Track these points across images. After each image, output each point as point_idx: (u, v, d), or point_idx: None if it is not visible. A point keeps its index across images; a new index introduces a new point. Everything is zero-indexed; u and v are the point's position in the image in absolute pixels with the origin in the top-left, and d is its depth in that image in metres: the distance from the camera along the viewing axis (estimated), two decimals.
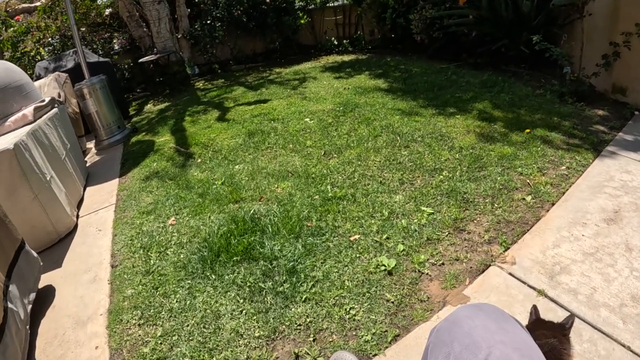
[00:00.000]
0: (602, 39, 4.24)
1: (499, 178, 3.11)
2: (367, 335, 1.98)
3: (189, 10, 9.32)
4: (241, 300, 2.32)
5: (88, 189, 4.40)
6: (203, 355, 2.02)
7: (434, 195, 3.03)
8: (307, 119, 5.01)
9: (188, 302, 2.38)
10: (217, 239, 2.88)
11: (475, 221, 2.72)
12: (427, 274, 2.33)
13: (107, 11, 9.74)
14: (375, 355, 1.90)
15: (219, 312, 2.27)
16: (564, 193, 2.87)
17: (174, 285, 2.55)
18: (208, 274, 2.57)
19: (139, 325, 2.32)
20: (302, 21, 9.59)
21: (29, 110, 3.71)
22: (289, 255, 2.59)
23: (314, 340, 2.01)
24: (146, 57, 8.33)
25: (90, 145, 6.04)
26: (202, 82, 8.88)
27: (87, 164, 5.12)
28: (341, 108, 5.20)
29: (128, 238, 3.21)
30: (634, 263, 2.17)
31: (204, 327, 2.20)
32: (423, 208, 2.88)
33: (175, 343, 2.14)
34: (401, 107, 4.91)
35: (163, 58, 8.39)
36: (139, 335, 2.25)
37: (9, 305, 2.16)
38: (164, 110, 7.19)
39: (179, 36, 9.07)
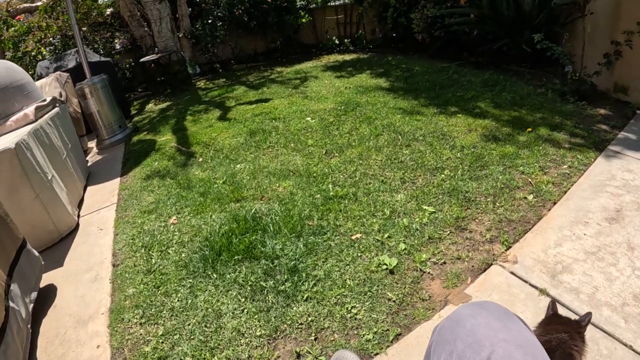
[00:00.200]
0: (604, 38, 4.24)
1: (500, 177, 3.11)
2: (368, 334, 1.98)
3: (190, 9, 9.33)
4: (242, 299, 2.32)
5: (89, 188, 4.40)
6: (204, 354, 2.02)
7: (436, 194, 3.03)
8: (309, 118, 5.01)
9: (189, 301, 2.38)
10: (219, 238, 2.88)
11: (477, 220, 2.71)
12: (429, 272, 2.33)
13: (108, 11, 9.75)
14: (377, 354, 1.89)
15: (221, 311, 2.27)
16: (565, 192, 2.87)
17: (176, 284, 2.55)
18: (209, 273, 2.57)
19: (141, 324, 2.32)
20: (304, 20, 9.59)
21: (30, 110, 3.71)
22: (290, 254, 2.59)
23: (315, 339, 2.01)
24: (147, 57, 8.33)
25: (92, 144, 6.05)
26: (203, 82, 8.88)
27: (89, 164, 5.13)
28: (342, 107, 5.19)
29: (129, 237, 3.21)
30: (636, 262, 2.17)
31: (205, 326, 2.20)
32: (424, 207, 2.88)
33: (176, 342, 2.14)
34: (402, 106, 4.91)
35: (164, 57, 8.40)
36: (141, 334, 2.25)
37: (11, 304, 2.16)
38: (165, 109, 7.20)
39: (180, 35, 9.07)
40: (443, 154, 3.58)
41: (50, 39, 8.92)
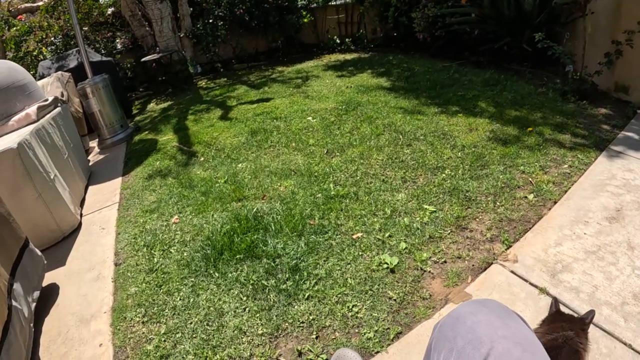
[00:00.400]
0: (605, 37, 4.24)
1: (501, 176, 3.11)
2: (369, 333, 1.99)
3: (191, 9, 9.34)
4: (244, 298, 2.33)
5: (91, 187, 4.41)
6: (206, 353, 2.03)
7: (437, 193, 3.04)
8: (310, 118, 5.02)
9: (191, 300, 2.40)
10: (220, 237, 2.89)
11: (477, 219, 2.72)
12: (430, 271, 2.34)
13: (110, 10, 9.77)
14: (378, 352, 1.90)
15: (222, 310, 2.28)
16: (566, 191, 2.87)
17: (178, 283, 2.56)
18: (211, 271, 2.59)
19: (143, 322, 2.33)
20: (305, 20, 9.59)
21: (32, 110, 3.73)
22: (291, 253, 2.60)
23: (316, 338, 2.02)
24: (149, 56, 8.34)
25: (93, 144, 6.06)
26: (204, 81, 8.90)
27: (90, 163, 5.15)
28: (344, 106, 5.20)
29: (131, 236, 3.22)
30: (636, 261, 2.18)
31: (207, 324, 2.21)
32: (425, 206, 2.89)
33: (178, 340, 2.15)
34: (403, 106, 4.92)
35: (165, 57, 8.41)
36: (143, 332, 2.26)
37: (14, 303, 2.17)
38: (167, 109, 7.22)
39: (181, 35, 9.09)
40: (444, 153, 3.58)
41: (52, 38, 8.95)
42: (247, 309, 2.26)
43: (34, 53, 8.65)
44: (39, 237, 3.22)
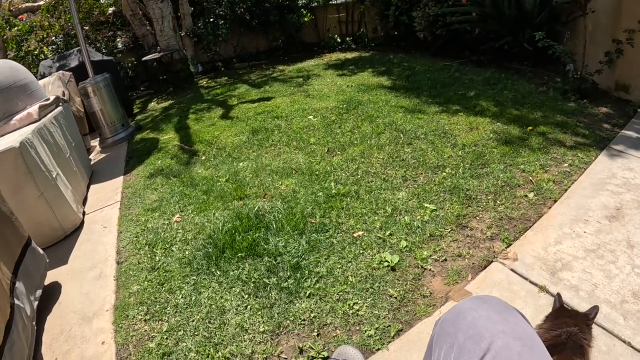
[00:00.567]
0: (605, 37, 4.24)
1: (501, 175, 3.12)
2: (370, 331, 2.00)
3: (192, 8, 9.35)
4: (246, 296, 2.34)
5: (93, 186, 4.43)
6: (209, 350, 2.05)
7: (437, 192, 3.05)
8: (311, 117, 5.03)
9: (194, 298, 2.41)
10: (222, 235, 2.90)
11: (478, 218, 2.73)
12: (430, 270, 2.35)
13: (111, 10, 9.79)
14: (379, 350, 1.92)
15: (224, 308, 2.29)
16: (566, 190, 2.88)
17: (180, 282, 2.58)
18: (213, 270, 2.60)
19: (145, 321, 2.35)
20: (306, 19, 9.59)
21: (34, 109, 3.74)
22: (293, 252, 2.61)
23: (318, 335, 2.04)
24: (150, 56, 8.35)
25: (95, 143, 6.07)
26: (205, 80, 8.90)
27: (92, 162, 5.16)
28: (345, 106, 5.21)
29: (133, 235, 3.24)
30: (636, 260, 2.18)
31: (209, 322, 2.22)
32: (426, 205, 2.90)
33: (181, 338, 2.16)
34: (404, 105, 4.93)
35: (167, 56, 8.42)
36: (145, 330, 2.28)
37: (16, 302, 2.18)
38: (168, 108, 7.23)
39: (182, 35, 9.10)
40: (445, 152, 3.59)
41: (53, 38, 8.98)
42: (249, 307, 2.27)
43: (36, 53, 8.68)
44: (42, 236, 3.23)
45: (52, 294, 2.77)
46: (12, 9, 9.61)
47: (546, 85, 4.85)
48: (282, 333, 2.09)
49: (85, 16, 9.20)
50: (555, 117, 3.99)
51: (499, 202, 2.84)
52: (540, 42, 4.61)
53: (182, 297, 2.44)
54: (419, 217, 2.79)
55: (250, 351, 2.01)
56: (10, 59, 7.63)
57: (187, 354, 2.06)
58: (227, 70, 9.51)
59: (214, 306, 2.32)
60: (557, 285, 2.10)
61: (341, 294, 2.25)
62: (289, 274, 2.44)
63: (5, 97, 3.81)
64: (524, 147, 3.48)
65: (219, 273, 2.56)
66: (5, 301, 2.07)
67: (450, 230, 2.64)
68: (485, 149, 3.54)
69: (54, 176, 3.35)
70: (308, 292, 2.29)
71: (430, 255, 2.44)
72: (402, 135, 4.04)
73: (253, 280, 2.44)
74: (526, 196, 2.86)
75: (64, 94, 5.12)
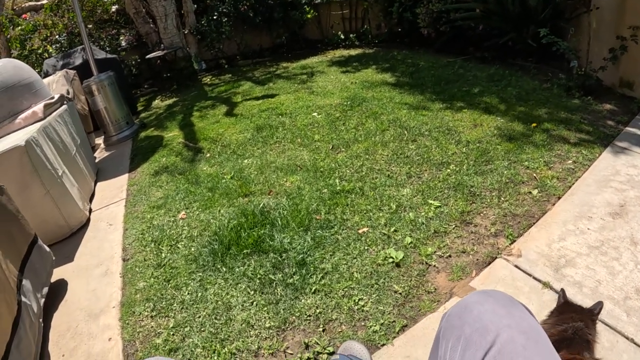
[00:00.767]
0: (609, 33, 4.23)
1: (505, 172, 3.13)
2: (375, 326, 2.02)
3: (195, 5, 9.34)
4: (252, 292, 2.36)
5: (98, 184, 4.45)
6: (215, 346, 2.06)
7: (441, 188, 3.06)
8: (315, 114, 5.04)
9: (199, 294, 2.43)
10: (228, 232, 2.92)
11: (481, 214, 2.74)
12: (434, 266, 2.36)
13: (114, 8, 9.80)
14: (384, 345, 1.93)
15: (230, 304, 2.31)
16: (570, 187, 2.88)
17: (186, 278, 2.59)
18: (219, 266, 2.62)
19: (151, 317, 2.36)
20: (309, 16, 9.57)
21: (38, 108, 3.76)
22: (298, 248, 2.62)
23: (323, 331, 2.05)
24: (153, 53, 8.37)
25: (99, 141, 6.10)
26: (209, 78, 8.91)
27: (97, 160, 5.18)
28: (348, 102, 5.22)
29: (139, 232, 3.25)
30: (639, 256, 2.19)
31: (215, 318, 2.24)
32: (430, 201, 2.91)
33: (187, 334, 2.18)
34: (408, 101, 4.93)
35: (170, 54, 8.43)
36: (152, 326, 2.30)
37: (23, 299, 2.20)
38: (172, 105, 7.24)
39: (185, 32, 9.10)
40: (449, 148, 3.60)
41: (56, 36, 9.01)
42: (254, 302, 2.29)
43: (39, 51, 8.71)
44: (47, 233, 3.25)
45: (58, 291, 2.79)
46: (15, 7, 9.63)
47: (550, 82, 4.84)
48: (288, 328, 2.11)
49: (88, 14, 9.22)
50: (559, 113, 3.99)
51: (502, 199, 2.84)
52: (544, 39, 4.60)
53: (188, 293, 2.46)
54: (423, 214, 2.80)
55: (256, 346, 2.03)
56: (13, 57, 7.66)
57: (193, 349, 2.08)
58: (230, 67, 9.52)
59: (219, 302, 2.34)
60: (561, 281, 2.11)
61: (346, 289, 2.27)
62: (294, 270, 2.45)
63: (10, 95, 3.83)
64: (528, 144, 3.48)
65: (224, 269, 2.58)
66: (12, 298, 2.09)
67: (454, 226, 2.65)
68: (489, 146, 3.54)
69: (60, 174, 3.37)
70: (313, 288, 2.30)
71: (435, 251, 2.46)
72: (406, 132, 4.04)
73: (258, 276, 2.46)
74: (530, 193, 2.87)
75: (68, 92, 5.14)
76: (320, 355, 1.93)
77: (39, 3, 9.67)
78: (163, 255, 2.89)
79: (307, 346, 1.99)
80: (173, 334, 2.20)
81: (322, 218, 2.91)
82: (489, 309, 0.97)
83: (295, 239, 2.72)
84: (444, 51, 7.22)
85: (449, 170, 3.27)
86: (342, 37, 9.64)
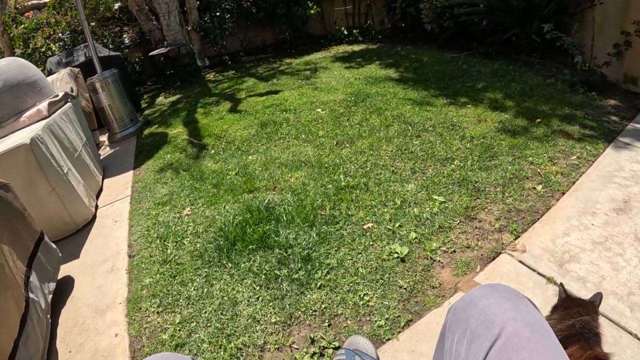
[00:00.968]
0: (614, 28, 4.22)
1: (509, 167, 3.13)
2: (380, 321, 2.03)
3: (198, 2, 9.34)
4: (257, 288, 2.38)
5: (103, 181, 4.47)
6: (221, 341, 2.08)
7: (446, 184, 3.06)
8: (319, 109, 5.04)
9: (205, 290, 2.44)
10: (233, 228, 2.93)
11: (486, 210, 2.75)
12: (439, 261, 2.37)
13: (116, 5, 9.80)
14: (389, 339, 1.94)
15: (236, 299, 2.33)
16: (574, 182, 2.88)
17: (191, 274, 2.61)
18: (224, 262, 2.63)
19: (158, 312, 2.38)
20: (312, 11, 9.54)
21: (43, 106, 3.78)
22: (303, 244, 2.63)
23: (329, 326, 2.06)
24: (157, 50, 8.38)
25: (103, 138, 6.11)
26: (212, 74, 8.91)
27: (101, 157, 5.19)
28: (352, 98, 5.22)
29: (144, 229, 3.27)
30: None
31: (221, 313, 2.25)
32: (435, 197, 2.91)
33: (193, 329, 2.20)
34: (412, 97, 4.93)
35: (173, 51, 8.44)
36: (158, 322, 2.31)
37: (30, 295, 2.22)
38: (176, 102, 7.25)
39: (188, 29, 9.10)
40: (453, 144, 3.60)
41: (60, 34, 9.02)
42: (260, 298, 2.30)
43: (42, 49, 8.73)
44: (54, 229, 3.28)
45: (65, 287, 2.81)
46: (17, 6, 9.67)
47: (554, 77, 4.83)
48: (294, 323, 2.12)
49: (91, 12, 9.24)
50: (563, 109, 3.98)
51: (507, 194, 2.85)
52: (548, 34, 4.59)
53: (194, 289, 2.48)
54: (427, 209, 2.81)
55: (262, 341, 2.04)
56: (17, 56, 7.68)
57: (199, 344, 2.09)
58: (234, 63, 9.52)
59: (225, 298, 2.36)
60: (565, 276, 2.11)
61: (351, 284, 2.28)
62: (299, 265, 2.47)
63: (15, 94, 3.85)
64: (532, 139, 3.48)
65: (230, 265, 2.59)
66: (19, 295, 2.11)
67: (458, 221, 2.66)
68: (493, 141, 3.54)
69: (65, 171, 3.39)
70: (319, 283, 2.31)
71: (439, 247, 2.46)
72: (410, 128, 4.04)
73: (264, 271, 2.47)
74: (534, 188, 2.87)
75: (72, 90, 5.15)
76: (326, 349, 1.95)
77: (41, 1, 9.70)
78: (169, 251, 2.90)
79: (312, 341, 2.00)
80: (179, 330, 2.22)
81: (327, 214, 2.92)
82: (494, 302, 0.98)
83: (301, 235, 2.73)
84: (448, 46, 7.21)
85: (453, 166, 3.27)
86: (346, 32, 9.62)
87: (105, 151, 5.59)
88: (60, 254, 2.83)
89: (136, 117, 6.27)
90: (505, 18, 5.76)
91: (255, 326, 2.13)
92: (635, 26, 3.92)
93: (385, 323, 2.02)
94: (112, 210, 3.75)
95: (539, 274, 2.17)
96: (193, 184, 3.79)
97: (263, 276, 2.44)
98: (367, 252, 2.50)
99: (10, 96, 3.82)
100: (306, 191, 3.26)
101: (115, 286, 2.72)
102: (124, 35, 9.61)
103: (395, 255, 2.43)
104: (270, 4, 9.21)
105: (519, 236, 2.47)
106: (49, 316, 2.36)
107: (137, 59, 9.36)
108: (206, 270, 2.61)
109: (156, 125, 6.08)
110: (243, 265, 2.56)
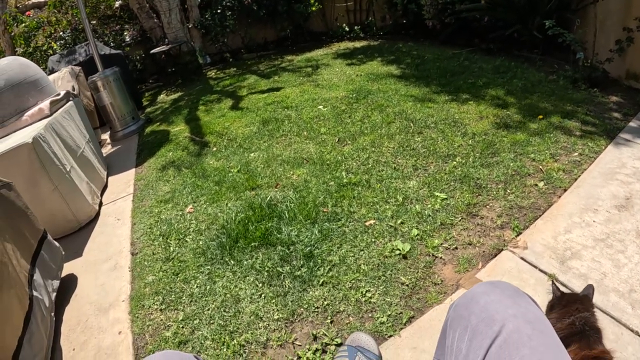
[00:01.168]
0: (616, 24, 4.21)
1: (511, 164, 3.13)
2: (382, 317, 2.03)
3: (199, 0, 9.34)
4: (260, 285, 2.38)
5: (108, 177, 4.49)
6: (224, 338, 2.09)
7: (448, 180, 3.06)
8: (321, 106, 5.04)
9: (208, 287, 2.45)
10: (235, 225, 2.94)
11: (488, 206, 2.75)
12: (441, 257, 2.37)
13: (117, 3, 9.81)
14: (391, 336, 1.95)
15: (239, 296, 2.33)
16: (576, 179, 2.88)
17: (194, 271, 2.62)
18: (227, 259, 2.64)
19: (161, 310, 2.39)
20: (313, 8, 9.51)
21: (45, 104, 3.78)
22: (305, 241, 2.64)
23: (331, 322, 2.07)
24: (158, 48, 8.37)
25: (105, 136, 6.12)
26: (214, 72, 8.91)
27: (103, 155, 5.20)
28: (354, 95, 5.22)
29: (147, 226, 3.28)
30: None
31: (224, 310, 2.26)
32: (437, 193, 2.92)
33: (196, 327, 2.21)
34: (414, 94, 4.92)
35: (174, 48, 8.43)
36: (161, 319, 2.32)
37: (34, 293, 2.22)
38: (178, 100, 7.26)
39: (189, 26, 9.10)
40: (454, 141, 3.60)
41: (61, 33, 9.02)
42: (262, 295, 2.31)
43: (44, 48, 8.74)
44: (56, 227, 3.31)
45: (68, 285, 2.82)
46: (18, 5, 9.68)
47: (556, 74, 4.82)
48: (296, 320, 2.13)
49: (92, 10, 9.25)
50: (565, 105, 3.97)
51: (508, 191, 2.85)
52: (549, 30, 4.57)
53: (197, 287, 2.48)
54: (429, 206, 2.81)
55: (264, 338, 2.05)
56: (18, 55, 7.70)
57: (202, 341, 2.10)
58: (235, 61, 9.51)
59: (228, 295, 2.36)
60: (566, 273, 2.12)
61: (353, 281, 2.28)
62: (301, 262, 2.47)
63: (16, 93, 3.86)
64: (534, 136, 3.48)
65: (232, 262, 2.60)
66: (23, 293, 2.11)
67: (460, 218, 2.66)
68: (495, 138, 3.54)
69: (68, 169, 3.40)
70: (321, 280, 2.32)
71: (441, 243, 2.47)
72: (412, 124, 4.04)
73: (266, 268, 2.48)
74: (536, 185, 2.87)
75: (73, 88, 5.16)
76: (328, 346, 1.95)
77: (42, 0, 9.69)
78: (171, 249, 2.91)
79: (315, 337, 2.01)
80: (182, 327, 2.23)
81: (329, 211, 2.93)
82: (495, 299, 0.99)
83: (303, 232, 2.74)
84: (449, 43, 7.19)
85: (455, 163, 3.27)
86: (347, 29, 9.59)
87: (107, 149, 5.59)
88: (63, 252, 2.84)
89: (138, 115, 6.27)
90: (506, 14, 5.75)
91: (258, 323, 2.14)
92: (637, 22, 3.90)
93: (387, 320, 2.02)
94: (114, 208, 3.76)
95: (541, 270, 2.17)
96: (195, 181, 3.80)
97: (265, 273, 2.45)
98: (369, 249, 2.51)
99: (12, 95, 3.83)
100: (308, 188, 3.26)
101: (118, 284, 2.73)
102: (125, 33, 9.61)
103: (397, 252, 2.43)
104: (272, 1, 9.19)
105: (520, 233, 2.48)
106: (52, 314, 2.37)
107: (138, 57, 9.36)
108: (209, 267, 2.62)
109: (158, 123, 6.09)
110: (245, 262, 2.57)
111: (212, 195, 3.48)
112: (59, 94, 4.11)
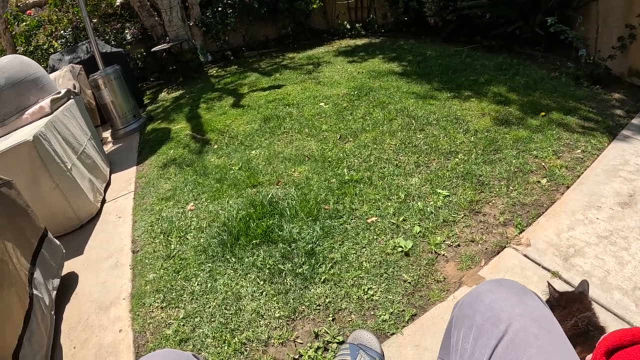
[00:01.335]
0: (618, 21, 4.19)
1: (514, 161, 3.11)
2: (385, 315, 2.02)
3: None
4: (261, 282, 2.37)
5: (111, 174, 4.48)
6: (225, 336, 2.08)
7: (450, 177, 3.05)
8: (322, 104, 5.03)
9: (209, 285, 2.44)
10: (236, 222, 2.93)
11: (490, 203, 2.73)
12: (443, 255, 2.36)
13: (118, 1, 9.81)
14: (393, 334, 1.94)
15: (240, 294, 2.33)
16: (579, 176, 2.87)
17: (195, 269, 2.61)
18: (228, 257, 2.63)
19: (162, 308, 2.38)
20: (314, 5, 9.49)
21: (45, 103, 3.78)
22: (307, 238, 2.63)
23: (333, 320, 2.06)
24: (159, 46, 8.37)
25: (106, 134, 6.12)
26: (215, 69, 8.90)
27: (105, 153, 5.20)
28: (356, 92, 5.20)
29: (148, 224, 3.27)
30: None
31: (225, 308, 2.25)
32: (439, 190, 2.90)
33: (197, 324, 2.20)
34: (416, 91, 4.91)
35: (175, 46, 8.43)
36: (162, 317, 2.32)
37: (35, 291, 2.22)
38: (179, 98, 7.25)
39: (190, 24, 9.09)
40: (457, 138, 3.59)
41: (61, 31, 9.03)
42: (264, 292, 2.30)
43: (45, 47, 8.74)
44: (57, 225, 3.30)
45: (69, 283, 2.82)
46: (19, 4, 9.67)
47: (558, 71, 4.80)
48: (298, 318, 2.12)
49: (92, 9, 9.23)
50: (568, 102, 3.96)
51: (511, 188, 2.84)
52: (551, 27, 4.56)
53: (198, 284, 2.48)
54: (431, 203, 2.80)
55: (266, 336, 2.04)
56: (19, 54, 7.68)
57: (203, 339, 2.10)
58: (236, 58, 9.50)
59: (229, 292, 2.36)
60: (570, 270, 2.10)
61: (355, 279, 2.27)
62: (303, 259, 2.46)
63: (17, 91, 3.86)
64: (536, 133, 3.47)
65: (233, 260, 2.59)
66: (23, 291, 2.11)
67: (463, 215, 2.65)
68: (497, 135, 3.53)
69: (69, 167, 3.39)
70: (322, 278, 2.31)
71: (444, 241, 2.46)
72: (413, 121, 4.03)
73: (268, 266, 2.47)
74: (539, 182, 2.86)
75: (74, 87, 5.16)
76: (330, 344, 1.94)
77: None
78: (172, 246, 2.90)
79: (316, 335, 2.00)
80: (183, 325, 2.22)
81: (330, 208, 2.92)
82: (500, 297, 0.97)
83: (304, 229, 2.73)
84: (451, 40, 7.17)
85: (457, 160, 3.26)
86: (348, 27, 9.57)
87: (108, 147, 5.58)
88: (64, 250, 2.84)
89: (139, 113, 6.27)
90: (508, 11, 5.73)
91: (259, 321, 2.13)
92: (639, 19, 3.89)
93: (389, 317, 2.01)
94: (115, 206, 3.75)
95: (544, 268, 2.16)
96: (196, 179, 3.79)
97: (267, 271, 2.44)
98: (371, 246, 2.49)
99: (13, 93, 3.82)
100: (310, 185, 3.25)
101: (119, 282, 2.72)
102: (126, 32, 9.61)
103: (400, 249, 2.42)
104: None
105: (523, 230, 2.46)
106: (53, 312, 2.36)
107: (139, 55, 9.36)
108: (210, 265, 2.61)
109: (159, 121, 6.08)
110: (247, 259, 2.56)
111: (213, 193, 3.47)
112: (59, 92, 4.10)
